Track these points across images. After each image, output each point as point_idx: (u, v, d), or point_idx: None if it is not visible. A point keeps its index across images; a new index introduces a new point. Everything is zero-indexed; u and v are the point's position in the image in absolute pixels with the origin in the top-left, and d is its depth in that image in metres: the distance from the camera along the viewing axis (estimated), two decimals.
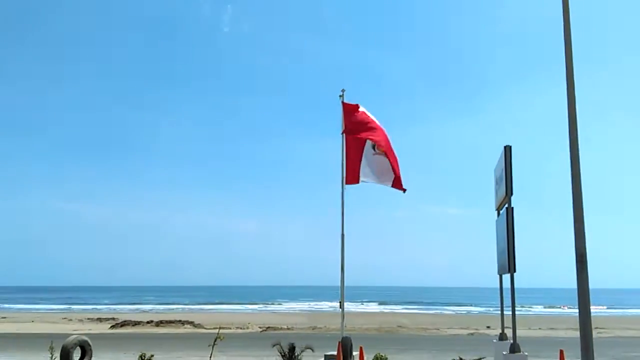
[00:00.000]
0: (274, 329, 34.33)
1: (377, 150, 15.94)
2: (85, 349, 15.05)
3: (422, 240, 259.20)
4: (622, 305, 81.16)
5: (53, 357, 15.01)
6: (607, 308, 73.01)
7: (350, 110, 16.06)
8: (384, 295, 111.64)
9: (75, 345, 14.76)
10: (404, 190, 15.92)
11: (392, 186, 16.08)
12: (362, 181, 16.15)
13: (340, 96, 16.13)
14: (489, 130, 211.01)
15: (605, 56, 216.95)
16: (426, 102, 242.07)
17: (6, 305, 74.15)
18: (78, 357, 14.93)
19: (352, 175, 16.13)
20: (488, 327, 35.85)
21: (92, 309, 67.38)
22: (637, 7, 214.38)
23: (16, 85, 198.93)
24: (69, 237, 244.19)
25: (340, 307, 16.53)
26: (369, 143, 15.96)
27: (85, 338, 15.32)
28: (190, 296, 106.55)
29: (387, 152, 15.95)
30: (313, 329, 34.44)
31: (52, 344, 15.22)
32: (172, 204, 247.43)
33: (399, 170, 16.04)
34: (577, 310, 13.61)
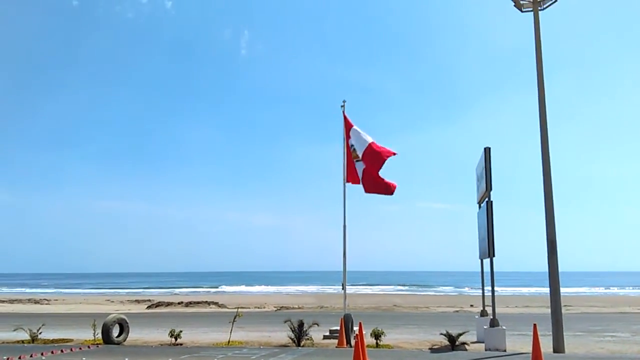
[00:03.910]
0: (287, 308, 34.16)
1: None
2: (123, 326, 14.96)
3: (414, 230, 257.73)
4: (591, 285, 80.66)
5: (95, 333, 14.94)
6: (589, 287, 72.56)
7: (349, 124, 15.98)
8: (380, 279, 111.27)
9: (114, 322, 14.67)
10: (391, 193, 15.76)
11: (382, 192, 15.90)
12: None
13: (341, 106, 16.04)
14: (467, 135, 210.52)
15: (571, 60, 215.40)
16: (414, 113, 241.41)
17: (59, 290, 74.38)
18: (117, 333, 14.84)
19: (351, 175, 16.01)
20: (471, 305, 35.56)
21: (130, 292, 67.40)
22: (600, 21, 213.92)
23: (63, 104, 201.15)
24: (110, 232, 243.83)
25: (343, 289, 16.41)
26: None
27: (123, 316, 15.24)
28: (216, 281, 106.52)
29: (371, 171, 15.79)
30: (320, 308, 34.25)
31: (94, 321, 15.15)
32: (198, 201, 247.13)
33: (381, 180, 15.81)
34: (546, 290, 13.47)
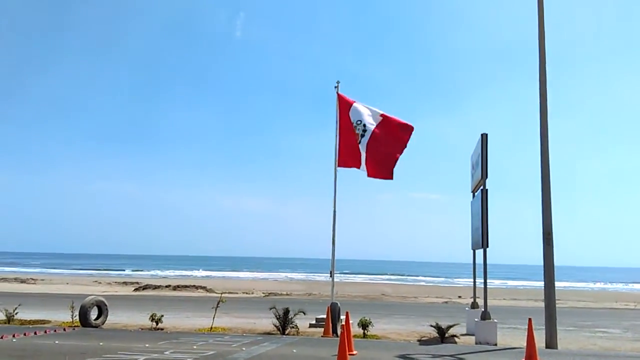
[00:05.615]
0: (275, 294, 33.69)
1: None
2: (101, 308, 14.37)
3: (407, 220, 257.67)
4: (579, 280, 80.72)
5: (73, 315, 14.34)
6: (577, 282, 72.37)
7: (344, 102, 15.23)
8: (370, 268, 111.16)
9: (92, 305, 14.08)
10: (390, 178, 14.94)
11: (375, 176, 15.06)
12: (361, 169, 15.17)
13: (335, 87, 15.35)
14: (465, 127, 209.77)
15: (573, 59, 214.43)
16: (409, 102, 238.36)
17: (47, 270, 73.62)
18: (95, 315, 14.26)
19: (343, 159, 15.28)
20: (459, 296, 35.20)
21: (120, 274, 66.83)
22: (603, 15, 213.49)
23: (55, 79, 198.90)
24: (102, 213, 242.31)
25: (331, 277, 15.85)
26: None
27: (102, 299, 14.63)
28: (206, 265, 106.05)
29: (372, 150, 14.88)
30: (309, 295, 33.81)
31: (72, 303, 14.55)
32: (188, 184, 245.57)
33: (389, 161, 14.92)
34: (534, 283, 12.96)
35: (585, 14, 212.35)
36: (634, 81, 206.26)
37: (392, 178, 14.70)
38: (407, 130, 14.80)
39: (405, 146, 14.75)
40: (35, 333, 12.11)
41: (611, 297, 41.11)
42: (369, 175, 14.86)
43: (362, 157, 14.91)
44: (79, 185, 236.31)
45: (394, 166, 14.66)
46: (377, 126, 14.76)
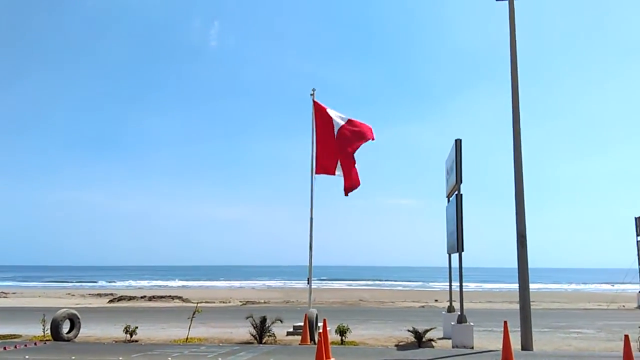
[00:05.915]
0: (253, 303, 33.42)
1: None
2: (74, 321, 14.03)
3: (382, 225, 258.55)
4: (553, 282, 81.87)
5: (45, 329, 13.97)
6: (550, 284, 73.25)
7: (320, 109, 15.27)
8: (348, 274, 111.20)
9: (64, 318, 13.74)
10: (346, 194, 15.15)
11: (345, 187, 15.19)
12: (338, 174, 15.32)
13: (311, 94, 15.35)
14: (440, 132, 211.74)
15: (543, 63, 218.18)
16: (383, 108, 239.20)
17: (19, 283, 71.91)
18: (68, 329, 13.91)
19: (321, 167, 15.31)
20: (436, 300, 35.44)
21: (94, 285, 65.63)
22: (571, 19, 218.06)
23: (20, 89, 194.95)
24: (74, 224, 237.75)
25: (308, 283, 15.79)
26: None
27: (74, 311, 14.29)
28: (182, 275, 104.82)
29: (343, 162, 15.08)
30: (286, 302, 33.63)
31: (43, 316, 14.15)
32: (162, 194, 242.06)
33: (350, 177, 15.08)
34: (509, 286, 13.09)
35: (562, 18, 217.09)
36: (616, 84, 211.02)
37: (358, 184, 14.94)
38: (368, 131, 15.07)
39: (365, 140, 14.99)
40: (4, 348, 11.75)
41: (584, 297, 41.79)
42: (346, 194, 15.06)
43: (337, 163, 15.00)
44: (48, 196, 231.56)
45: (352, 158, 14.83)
46: (342, 127, 14.95)
